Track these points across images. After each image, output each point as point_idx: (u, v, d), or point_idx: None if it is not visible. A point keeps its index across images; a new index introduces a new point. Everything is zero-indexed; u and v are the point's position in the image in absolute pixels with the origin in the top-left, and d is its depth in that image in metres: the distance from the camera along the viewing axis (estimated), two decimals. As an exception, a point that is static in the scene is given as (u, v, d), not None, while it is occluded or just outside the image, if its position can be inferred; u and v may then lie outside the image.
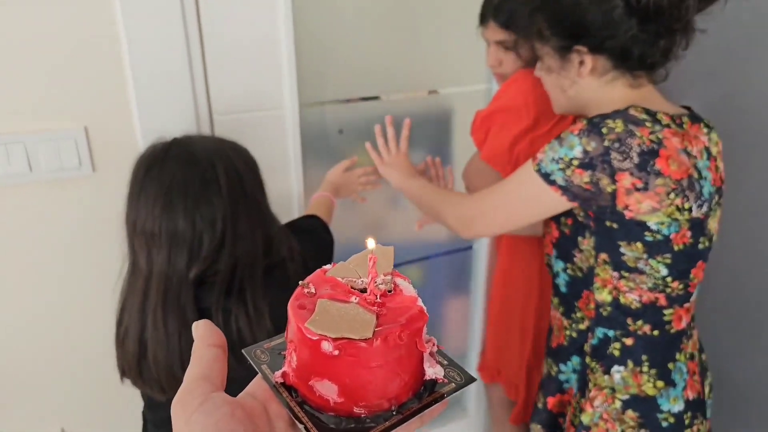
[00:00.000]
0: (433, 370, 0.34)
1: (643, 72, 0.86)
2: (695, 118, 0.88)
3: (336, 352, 0.30)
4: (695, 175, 0.82)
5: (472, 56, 1.30)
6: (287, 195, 1.20)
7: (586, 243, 0.90)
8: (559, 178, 0.84)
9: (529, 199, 0.88)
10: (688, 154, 0.82)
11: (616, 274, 0.88)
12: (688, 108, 0.91)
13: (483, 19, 1.12)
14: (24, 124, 0.95)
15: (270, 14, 1.05)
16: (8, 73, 0.91)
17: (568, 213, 0.89)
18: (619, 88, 0.88)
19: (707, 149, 0.86)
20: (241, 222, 0.80)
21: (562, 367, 1.01)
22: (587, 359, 0.95)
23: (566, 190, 0.84)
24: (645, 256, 0.84)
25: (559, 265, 0.97)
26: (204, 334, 0.33)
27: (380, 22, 1.20)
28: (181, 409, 0.29)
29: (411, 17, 1.23)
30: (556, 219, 0.92)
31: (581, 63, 0.87)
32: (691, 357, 0.94)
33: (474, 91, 1.37)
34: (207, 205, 0.78)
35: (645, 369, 0.90)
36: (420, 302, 0.33)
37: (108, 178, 1.02)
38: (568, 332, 0.99)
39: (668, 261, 0.84)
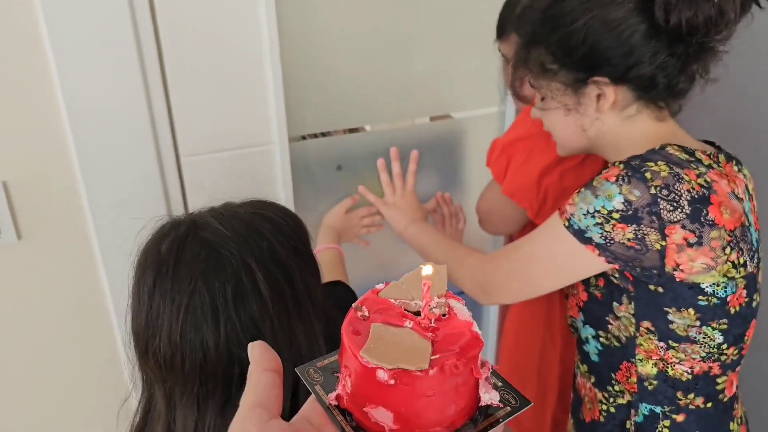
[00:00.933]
0: (488, 396, 0.34)
1: (667, 102, 0.78)
2: (728, 155, 0.79)
3: (392, 381, 0.30)
4: (746, 223, 0.74)
5: (481, 77, 1.23)
6: None
7: (624, 309, 0.79)
8: (596, 235, 0.73)
9: (558, 262, 0.78)
10: (738, 198, 0.73)
11: (662, 344, 0.78)
12: (711, 143, 0.83)
13: (502, 32, 1.04)
14: None
15: (252, 36, 0.94)
16: None
17: (600, 273, 0.79)
18: (643, 122, 0.79)
19: (747, 189, 0.78)
20: (293, 328, 0.60)
21: None
22: None
23: (605, 249, 0.73)
24: (698, 323, 0.75)
25: (588, 332, 0.86)
26: (260, 357, 0.32)
27: (376, 44, 1.13)
28: None
29: (410, 37, 1.15)
30: (584, 280, 0.81)
31: (599, 96, 0.78)
32: (741, 420, 0.88)
33: (486, 114, 1.28)
34: (243, 318, 0.57)
35: None
36: (475, 327, 0.34)
37: (40, 248, 0.87)
38: (604, 407, 0.88)
39: (724, 327, 0.75)
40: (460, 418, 0.33)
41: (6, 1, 0.75)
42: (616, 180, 0.72)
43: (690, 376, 0.79)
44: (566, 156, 0.89)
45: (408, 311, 0.35)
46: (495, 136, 1.21)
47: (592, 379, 0.89)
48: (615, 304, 0.80)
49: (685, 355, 0.77)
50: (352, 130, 1.15)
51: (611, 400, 0.87)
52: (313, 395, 0.34)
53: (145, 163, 0.90)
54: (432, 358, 0.31)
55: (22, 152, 0.80)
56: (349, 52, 1.08)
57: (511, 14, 1.01)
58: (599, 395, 0.88)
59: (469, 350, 0.32)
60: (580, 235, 0.74)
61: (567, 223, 0.75)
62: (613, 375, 0.85)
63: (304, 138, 1.09)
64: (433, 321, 0.34)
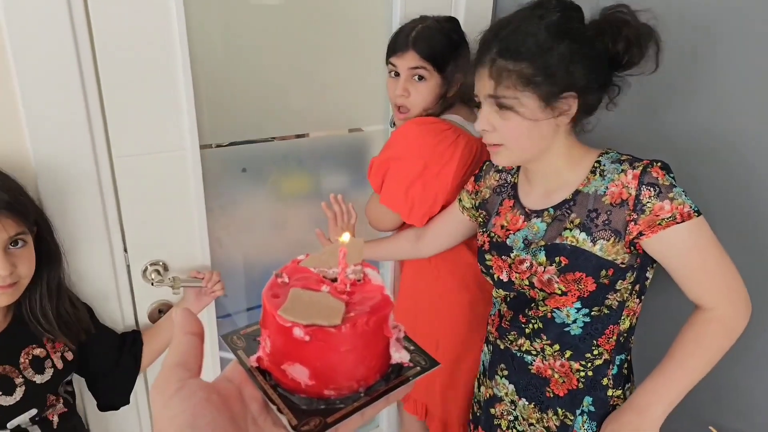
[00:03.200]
0: (398, 355, 0.36)
1: (584, 120, 0.94)
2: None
3: (307, 338, 0.32)
4: None
5: (374, 97, 1.40)
6: (189, 238, 1.22)
7: (626, 282, 0.95)
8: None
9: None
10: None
11: (638, 299, 0.98)
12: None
13: (399, 48, 1.22)
14: None
15: (167, 52, 1.06)
16: None
17: (610, 264, 0.92)
18: (562, 135, 0.96)
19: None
20: None
21: (576, 413, 1.03)
22: (609, 392, 1.01)
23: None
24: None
25: (578, 314, 0.98)
26: (182, 322, 0.34)
27: (280, 61, 1.27)
28: (159, 394, 0.30)
29: (312, 56, 1.29)
30: (594, 273, 0.92)
31: (564, 110, 0.90)
32: None
33: (375, 131, 1.47)
34: None
35: None
36: (386, 291, 0.36)
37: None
38: (582, 374, 1.01)
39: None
40: (372, 375, 0.35)
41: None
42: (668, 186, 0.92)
43: (635, 321, 0.98)
44: (505, 165, 1.01)
45: (326, 278, 0.36)
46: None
47: (567, 354, 1.00)
48: (619, 281, 0.94)
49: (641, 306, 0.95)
50: (258, 141, 1.30)
51: (589, 365, 1.00)
52: (235, 359, 0.35)
53: (83, 161, 1.04)
54: (345, 316, 0.33)
55: None
56: (255, 75, 1.24)
57: (407, 33, 1.22)
58: (575, 366, 1.01)
59: (380, 310, 0.34)
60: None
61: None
62: (594, 341, 0.99)
63: (212, 146, 1.23)
64: (348, 286, 0.35)
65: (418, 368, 0.37)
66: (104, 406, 1.10)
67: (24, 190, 0.91)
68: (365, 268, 0.37)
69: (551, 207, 0.99)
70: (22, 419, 0.91)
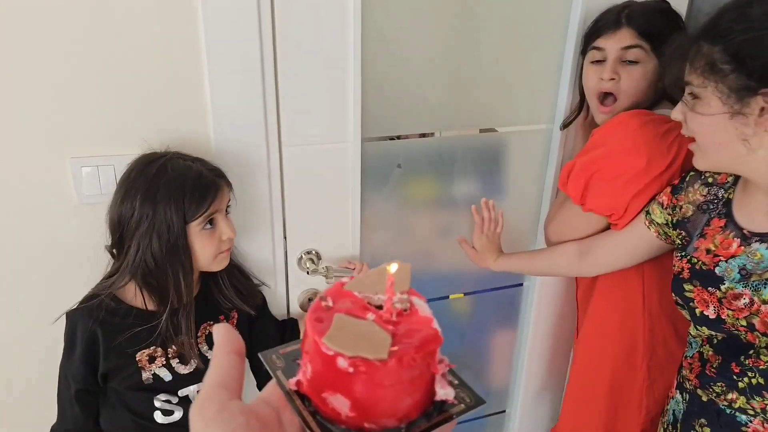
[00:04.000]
0: (444, 392, 0.35)
1: None
2: None
3: (351, 369, 0.31)
4: None
5: (531, 96, 1.32)
6: (343, 230, 1.25)
7: None
8: None
9: None
10: None
11: None
12: None
13: (608, 26, 1.10)
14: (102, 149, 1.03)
15: (341, 54, 1.10)
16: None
17: None
18: None
19: None
20: None
21: None
22: None
23: None
24: None
25: None
26: (223, 340, 0.34)
27: (442, 60, 1.23)
28: (200, 415, 0.30)
29: (473, 55, 1.24)
30: None
31: (763, 110, 0.77)
32: None
33: (533, 131, 1.38)
34: None
35: None
36: (435, 324, 0.34)
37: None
38: None
39: None
40: (414, 411, 0.34)
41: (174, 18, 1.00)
42: None
43: None
44: (703, 169, 0.89)
45: (371, 305, 0.35)
46: (544, 150, 1.40)
47: None
48: None
49: None
50: (420, 135, 1.28)
51: None
52: (274, 379, 0.35)
53: (257, 149, 1.11)
54: (391, 349, 0.32)
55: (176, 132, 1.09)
56: (417, 72, 1.22)
57: (621, 11, 1.09)
58: None
59: (428, 345, 0.33)
60: None
61: None
62: None
63: (373, 139, 1.23)
64: (394, 315, 0.34)
65: (463, 405, 0.35)
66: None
67: None
68: (413, 297, 0.36)
69: None
70: (191, 390, 1.01)
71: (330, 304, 0.35)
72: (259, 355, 0.37)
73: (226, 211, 0.97)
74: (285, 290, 1.23)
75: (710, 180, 0.96)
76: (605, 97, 1.11)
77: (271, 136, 1.08)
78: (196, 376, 0.98)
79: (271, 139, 1.09)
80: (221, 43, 0.98)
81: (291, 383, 0.34)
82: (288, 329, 1.19)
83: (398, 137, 1.26)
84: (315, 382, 0.33)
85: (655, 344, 1.18)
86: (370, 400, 0.32)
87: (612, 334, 1.22)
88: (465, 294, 1.47)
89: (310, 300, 1.26)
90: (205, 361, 0.99)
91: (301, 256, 1.21)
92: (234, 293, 1.05)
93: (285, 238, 1.19)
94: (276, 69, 1.04)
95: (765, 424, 0.86)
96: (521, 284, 1.54)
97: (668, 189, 1.03)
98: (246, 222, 1.12)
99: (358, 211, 1.21)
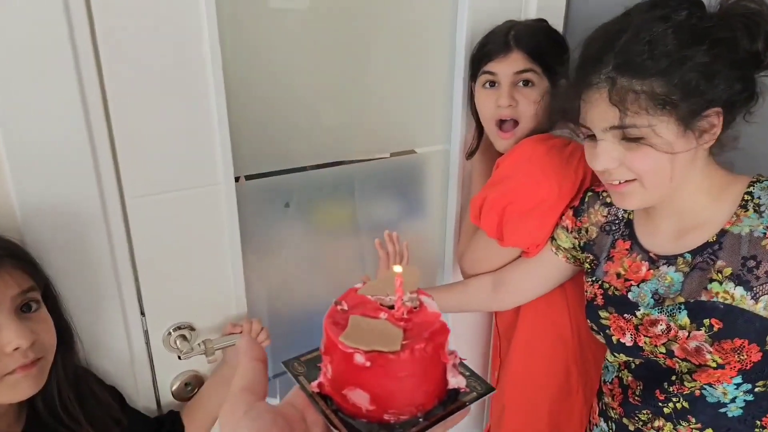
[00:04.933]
0: (455, 380, 0.39)
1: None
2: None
3: (368, 364, 0.35)
4: None
5: (424, 117, 1.40)
6: (221, 291, 1.14)
7: None
8: None
9: None
10: None
11: None
12: None
13: (497, 50, 1.15)
14: None
15: (197, 75, 0.98)
16: None
17: None
18: (700, 161, 0.86)
19: None
20: None
21: None
22: None
23: None
24: None
25: (738, 391, 0.87)
26: (247, 348, 0.39)
27: (329, 85, 1.22)
28: (229, 416, 0.35)
29: (360, 80, 1.26)
30: (760, 340, 0.82)
31: (706, 130, 0.82)
32: None
33: (430, 152, 1.44)
34: None
35: None
36: (442, 318, 0.39)
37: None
38: None
39: None
40: (430, 401, 0.38)
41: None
42: None
43: None
44: (637, 207, 0.91)
45: (383, 305, 0.40)
46: (443, 172, 1.45)
47: None
48: None
49: None
50: (300, 169, 1.26)
51: None
52: (297, 385, 0.40)
53: (87, 204, 0.94)
54: (403, 342, 0.36)
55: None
56: (296, 91, 1.17)
57: (506, 35, 1.14)
58: None
59: (437, 337, 0.37)
60: None
61: None
62: (758, 422, 0.87)
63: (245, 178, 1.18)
64: (405, 313, 0.39)
65: (474, 393, 0.40)
66: None
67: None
68: (421, 296, 0.42)
69: (687, 252, 0.88)
70: None
71: (345, 307, 0.40)
72: (282, 362, 0.42)
73: (25, 305, 0.77)
74: (151, 381, 1.12)
75: (608, 200, 1.03)
76: (503, 123, 1.20)
77: (106, 187, 0.96)
78: None
79: (107, 192, 0.96)
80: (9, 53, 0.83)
81: (313, 386, 0.39)
82: (167, 427, 1.05)
83: (286, 171, 1.23)
84: (336, 380, 0.38)
85: (588, 367, 1.26)
86: (388, 391, 0.37)
87: (542, 363, 1.29)
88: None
89: (186, 385, 1.16)
90: None
91: (168, 334, 1.10)
92: (82, 418, 0.83)
93: (143, 314, 1.08)
94: (106, 101, 0.92)
95: None
96: None
97: (570, 212, 1.10)
98: (85, 304, 0.99)
99: (239, 263, 1.15)
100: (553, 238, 1.12)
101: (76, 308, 0.94)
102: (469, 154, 1.37)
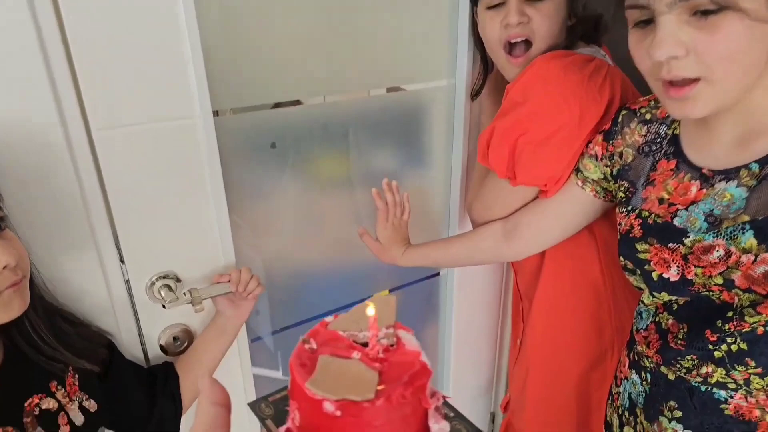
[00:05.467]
0: (438, 426, 0.35)
1: None
2: None
3: (338, 413, 0.32)
4: None
5: (426, 49, 1.25)
6: (208, 232, 1.05)
7: None
8: None
9: None
10: None
11: None
12: None
13: None
14: None
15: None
16: None
17: None
18: None
19: None
20: None
21: None
22: None
23: None
24: None
25: None
26: (207, 391, 0.35)
27: (322, 11, 1.09)
28: None
29: (356, 7, 1.13)
30: None
31: None
32: None
33: (432, 88, 1.31)
34: None
35: None
36: (423, 356, 0.36)
37: None
38: None
39: None
40: None
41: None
42: None
43: None
44: (707, 113, 0.72)
45: (357, 343, 0.37)
46: (447, 110, 1.32)
47: None
48: None
49: None
50: (285, 104, 1.15)
51: None
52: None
53: (47, 140, 0.86)
54: (378, 388, 0.33)
55: None
56: (282, 13, 1.05)
57: None
58: None
59: (417, 380, 0.34)
60: None
61: None
62: None
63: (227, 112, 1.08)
64: (380, 351, 0.36)
65: None
66: None
67: None
68: (399, 330, 0.38)
69: (754, 162, 0.74)
70: None
71: (314, 346, 0.37)
72: (248, 404, 0.39)
73: None
74: (137, 333, 1.05)
75: (648, 116, 0.90)
76: (513, 47, 1.04)
77: (69, 114, 0.87)
78: None
79: (70, 120, 0.87)
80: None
81: (281, 431, 0.37)
82: (160, 379, 1.01)
83: (275, 106, 1.11)
84: (304, 428, 0.35)
85: (624, 323, 1.14)
86: None
87: (570, 320, 1.18)
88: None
89: (175, 339, 1.09)
90: None
91: (152, 283, 1.03)
92: (61, 347, 0.83)
93: (122, 261, 1.00)
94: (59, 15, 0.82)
95: (749, 398, 0.79)
96: (437, 274, 1.52)
97: (599, 137, 0.95)
98: (58, 247, 0.92)
99: (224, 207, 1.05)
100: (578, 170, 0.99)
101: (46, 249, 0.89)
102: (475, 94, 1.24)
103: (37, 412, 0.79)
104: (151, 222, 0.99)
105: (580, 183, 0.98)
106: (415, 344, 0.37)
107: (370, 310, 0.37)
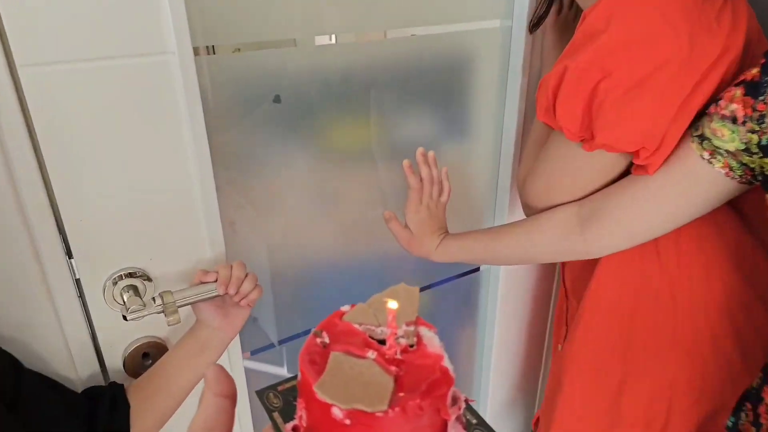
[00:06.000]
0: None
1: None
2: None
3: (347, 421, 0.30)
4: None
5: None
6: (189, 212, 0.83)
7: None
8: None
9: None
10: None
11: None
12: None
13: None
14: None
15: None
16: None
17: None
18: None
19: None
20: None
21: None
22: None
23: None
24: None
25: None
26: (211, 381, 0.34)
27: None
28: None
29: None
30: None
31: None
32: None
33: (482, 30, 1.08)
34: None
35: None
36: (446, 361, 0.34)
37: None
38: None
39: None
40: None
41: None
42: None
43: None
44: None
45: (373, 338, 0.35)
46: (501, 60, 1.11)
47: None
48: None
49: None
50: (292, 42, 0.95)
51: None
52: (270, 424, 0.37)
53: None
54: (394, 396, 0.31)
55: None
56: None
57: None
58: None
59: (437, 389, 0.32)
60: None
61: None
62: None
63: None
64: (398, 352, 0.34)
65: None
66: None
67: None
68: (420, 327, 0.35)
69: None
70: None
71: (326, 340, 0.35)
72: (256, 392, 0.39)
73: None
74: (93, 351, 0.83)
75: None
76: None
77: None
78: None
79: None
80: None
81: (287, 428, 0.35)
82: (104, 408, 0.76)
83: (273, 45, 0.91)
84: (312, 430, 0.33)
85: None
86: None
87: (631, 327, 0.97)
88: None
89: (145, 355, 0.87)
90: None
91: (114, 282, 0.80)
92: None
93: (69, 255, 0.76)
94: None
95: None
96: (477, 269, 1.37)
97: (738, 91, 0.72)
98: None
99: (209, 174, 0.82)
100: (702, 138, 0.76)
101: None
102: (534, 25, 1.01)
103: None
104: (109, 199, 0.76)
105: (706, 155, 0.75)
106: (438, 345, 0.35)
107: (392, 304, 0.34)
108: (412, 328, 0.34)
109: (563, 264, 1.14)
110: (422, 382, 0.32)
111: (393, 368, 0.33)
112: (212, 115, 0.84)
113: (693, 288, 0.92)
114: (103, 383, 0.87)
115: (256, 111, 0.94)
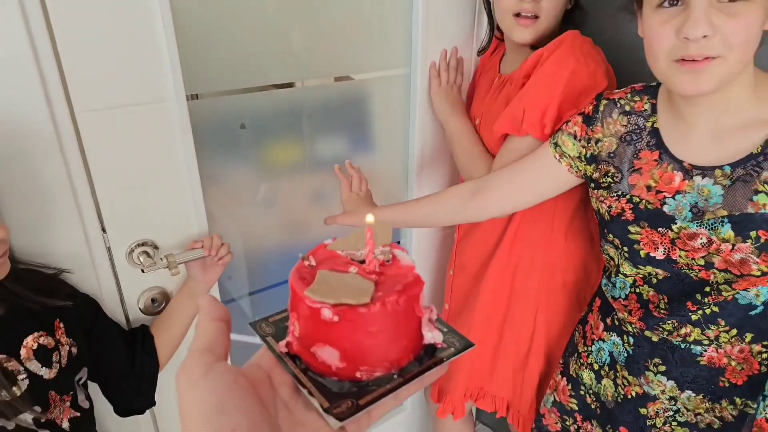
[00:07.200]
0: (431, 335, 0.37)
1: None
2: None
3: (336, 318, 0.33)
4: None
5: (388, 39, 1.33)
6: (183, 204, 1.13)
7: None
8: None
9: None
10: None
11: None
12: None
13: None
14: None
15: None
16: None
17: None
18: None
19: None
20: None
21: (759, 399, 0.91)
22: None
23: None
24: None
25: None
26: (208, 308, 0.36)
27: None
28: (185, 378, 0.33)
29: None
30: None
31: None
32: None
33: (389, 76, 1.38)
34: None
35: None
36: (416, 270, 0.37)
37: None
38: (765, 355, 0.90)
39: None
40: (405, 357, 0.36)
41: None
42: None
43: None
44: (711, 89, 0.77)
45: (354, 260, 0.38)
46: (401, 98, 1.38)
47: (748, 338, 0.90)
48: None
49: None
50: (254, 89, 1.21)
51: None
52: (264, 346, 0.38)
53: (36, 119, 0.91)
54: (374, 295, 0.34)
55: None
56: (248, 6, 1.12)
57: None
58: (756, 348, 0.90)
59: (411, 289, 0.35)
60: None
61: None
62: None
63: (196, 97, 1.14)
64: (377, 266, 0.37)
65: (452, 349, 0.38)
66: (125, 410, 1.10)
67: None
68: (394, 249, 0.39)
69: (727, 165, 0.82)
70: (25, 418, 0.88)
71: (313, 263, 0.37)
72: (249, 324, 0.39)
73: None
74: (117, 294, 1.12)
75: (627, 108, 0.95)
76: (523, 15, 1.16)
77: (54, 98, 0.92)
78: (28, 401, 0.88)
79: (55, 104, 0.92)
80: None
81: (281, 345, 0.37)
82: (138, 339, 1.08)
83: (244, 91, 1.18)
84: (304, 338, 0.36)
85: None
86: (358, 348, 0.34)
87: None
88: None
89: (153, 301, 1.16)
90: (38, 381, 0.89)
91: (132, 250, 1.10)
92: (34, 294, 0.92)
93: (104, 230, 1.06)
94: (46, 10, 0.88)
95: (718, 350, 0.92)
96: (398, 242, 1.60)
97: (578, 119, 1.00)
98: (42, 219, 0.98)
99: (197, 181, 1.12)
100: (556, 145, 1.01)
101: (34, 221, 0.96)
102: (481, 50, 1.34)
103: (36, 347, 0.88)
104: (130, 195, 1.05)
105: (557, 156, 1.00)
106: (409, 261, 0.38)
107: (370, 218, 0.37)
108: (387, 248, 0.37)
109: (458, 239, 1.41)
110: (398, 284, 0.34)
111: (373, 277, 0.35)
112: (199, 141, 1.09)
113: (560, 252, 1.24)
114: (124, 321, 1.14)
115: (228, 135, 1.21)
